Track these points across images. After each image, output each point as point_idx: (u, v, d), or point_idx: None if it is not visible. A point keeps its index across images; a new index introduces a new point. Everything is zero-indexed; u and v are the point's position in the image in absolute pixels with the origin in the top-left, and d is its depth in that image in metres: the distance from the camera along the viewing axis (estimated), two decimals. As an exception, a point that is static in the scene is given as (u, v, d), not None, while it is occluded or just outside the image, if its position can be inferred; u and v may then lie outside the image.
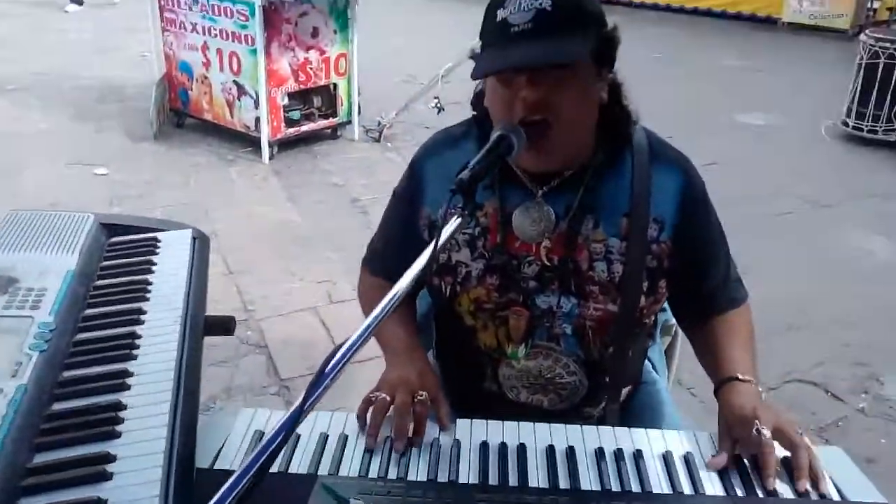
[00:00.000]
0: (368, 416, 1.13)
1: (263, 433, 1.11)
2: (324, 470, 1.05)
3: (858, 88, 5.32)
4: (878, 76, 5.17)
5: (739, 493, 1.04)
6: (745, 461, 1.09)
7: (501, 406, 1.33)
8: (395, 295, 0.90)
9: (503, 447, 1.10)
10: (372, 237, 1.47)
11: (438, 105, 4.80)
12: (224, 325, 1.37)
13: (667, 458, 1.09)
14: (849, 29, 8.93)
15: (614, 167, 1.25)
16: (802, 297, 3.35)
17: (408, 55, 7.33)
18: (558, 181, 1.23)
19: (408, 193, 1.35)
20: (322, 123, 5.12)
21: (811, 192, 4.60)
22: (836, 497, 1.04)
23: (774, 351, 2.81)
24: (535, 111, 1.11)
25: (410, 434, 1.11)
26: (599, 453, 1.10)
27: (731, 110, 6.14)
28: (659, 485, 1.05)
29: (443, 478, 1.04)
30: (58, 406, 1.00)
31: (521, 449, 1.10)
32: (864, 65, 5.27)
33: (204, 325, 1.26)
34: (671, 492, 1.04)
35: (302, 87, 4.89)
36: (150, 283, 1.29)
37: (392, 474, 1.05)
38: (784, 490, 1.04)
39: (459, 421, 1.16)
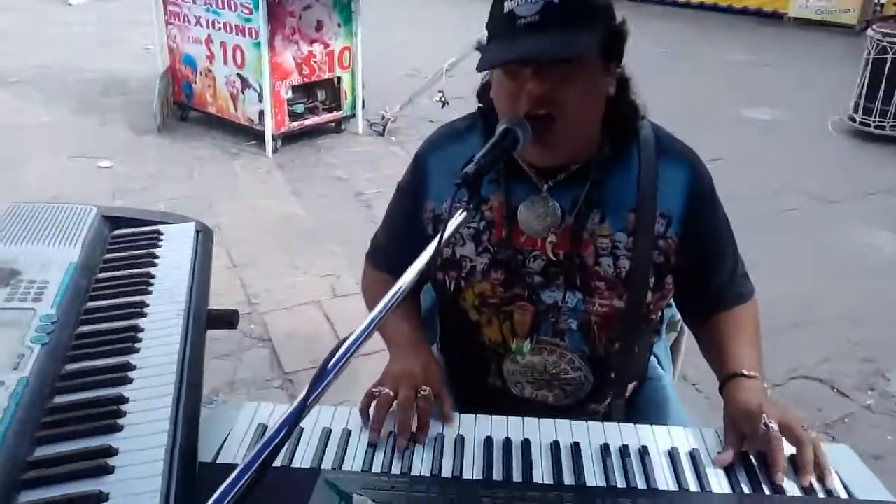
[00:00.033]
0: (371, 410, 1.13)
1: (266, 427, 1.11)
2: (327, 464, 1.04)
3: (866, 83, 5.30)
4: (886, 71, 5.15)
5: (746, 490, 1.03)
6: (752, 458, 1.08)
7: (506, 401, 1.32)
8: (398, 290, 0.89)
9: (507, 443, 1.09)
10: (375, 231, 1.46)
11: (443, 99, 4.79)
12: (227, 319, 1.36)
13: (673, 455, 1.08)
14: (856, 24, 8.90)
15: (621, 161, 1.23)
16: (808, 294, 3.34)
17: (412, 49, 7.31)
18: (564, 175, 1.22)
19: (412, 187, 1.34)
20: (326, 117, 5.11)
21: (818, 188, 4.58)
22: (843, 495, 1.03)
23: (780, 347, 2.80)
24: (540, 105, 1.09)
25: (413, 430, 1.10)
26: (605, 449, 1.09)
27: (738, 105, 6.11)
28: (665, 482, 1.04)
29: (447, 473, 1.03)
30: (59, 399, 1.00)
31: (526, 444, 1.09)
32: (871, 60, 5.24)
33: (207, 319, 1.25)
34: (677, 489, 1.03)
35: (306, 80, 4.88)
36: (152, 276, 1.28)
37: (396, 469, 1.04)
38: (791, 487, 1.03)
39: (463, 416, 1.15)
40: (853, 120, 5.47)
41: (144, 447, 0.92)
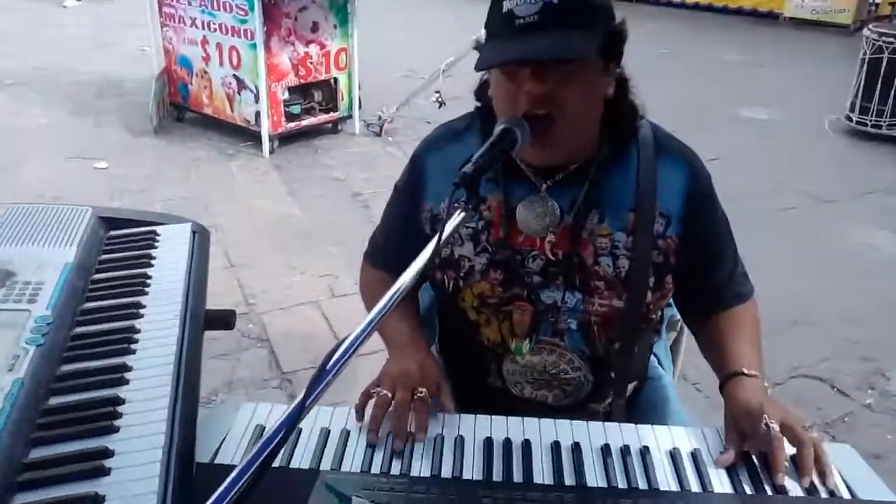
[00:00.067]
0: (368, 411, 1.12)
1: (264, 427, 1.10)
2: (326, 465, 1.03)
3: (862, 83, 5.30)
4: (882, 71, 5.15)
5: (748, 490, 1.02)
6: (754, 458, 1.07)
7: (505, 401, 1.31)
8: (397, 290, 0.89)
9: (508, 443, 1.08)
10: (373, 231, 1.46)
11: (439, 99, 4.78)
12: (224, 320, 1.35)
13: (674, 455, 1.08)
14: (851, 24, 8.92)
15: (620, 161, 1.23)
16: (807, 293, 3.34)
17: (408, 50, 7.31)
18: (563, 175, 1.21)
19: (409, 187, 1.33)
20: (323, 118, 5.10)
21: (815, 187, 4.58)
22: (846, 494, 1.03)
23: (780, 346, 2.80)
24: (539, 105, 1.09)
25: (411, 430, 1.09)
26: (605, 450, 1.08)
27: (734, 106, 6.12)
28: (666, 482, 1.03)
29: (446, 474, 1.03)
30: (55, 401, 0.99)
31: (526, 445, 1.08)
32: (867, 59, 5.24)
33: (204, 320, 1.24)
34: (679, 489, 1.02)
35: (302, 81, 4.87)
36: (149, 277, 1.27)
37: (395, 470, 1.03)
38: (793, 487, 1.03)
39: (463, 416, 1.14)
40: (850, 119, 5.48)
41: (141, 449, 0.91)
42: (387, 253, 1.40)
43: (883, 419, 2.59)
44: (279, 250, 3.65)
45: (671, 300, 1.36)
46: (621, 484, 1.02)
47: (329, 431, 1.09)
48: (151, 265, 1.31)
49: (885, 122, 5.27)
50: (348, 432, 1.09)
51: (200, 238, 1.44)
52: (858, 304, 3.29)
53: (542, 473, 1.03)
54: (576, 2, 1.06)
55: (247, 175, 4.59)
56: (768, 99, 6.30)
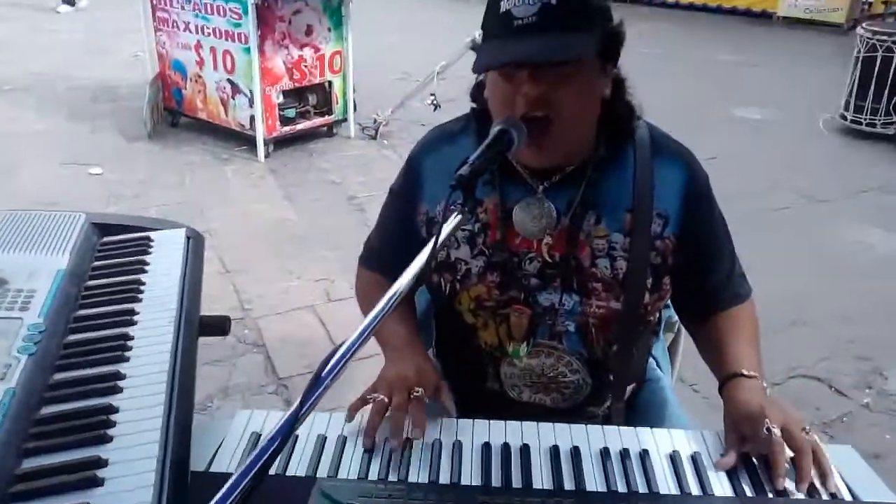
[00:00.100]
0: (362, 415, 1.11)
1: (260, 435, 1.09)
2: (322, 472, 1.02)
3: (856, 82, 5.31)
4: (876, 69, 5.16)
5: (749, 493, 1.02)
6: (755, 460, 1.07)
7: (503, 405, 1.30)
8: (393, 295, 0.88)
9: (506, 448, 1.07)
10: (369, 235, 1.45)
11: (435, 102, 4.78)
12: (219, 326, 1.34)
13: (674, 458, 1.07)
14: (844, 23, 8.94)
15: (616, 162, 1.22)
16: (802, 293, 3.34)
17: (403, 52, 7.30)
18: (559, 177, 1.21)
19: (405, 190, 1.33)
20: (318, 121, 5.09)
21: (810, 187, 4.59)
22: (847, 496, 1.02)
23: (777, 346, 2.79)
24: (536, 107, 1.08)
25: (408, 434, 1.08)
26: (605, 453, 1.07)
27: (728, 105, 6.12)
28: (666, 485, 1.02)
29: (445, 479, 1.02)
30: (47, 410, 0.97)
31: (525, 449, 1.07)
32: (861, 58, 5.25)
33: (199, 326, 1.23)
34: (679, 493, 1.01)
35: (297, 84, 4.86)
36: (142, 284, 1.26)
37: (393, 476, 1.02)
38: (794, 489, 1.02)
39: (461, 421, 1.13)
40: (844, 118, 5.48)
41: (135, 458, 0.90)
42: (382, 256, 1.39)
43: (881, 419, 2.59)
44: (275, 255, 3.63)
45: (669, 301, 1.35)
46: (621, 488, 1.01)
47: (325, 438, 1.08)
48: (145, 271, 1.30)
49: (879, 120, 5.28)
50: (345, 439, 1.08)
51: (195, 243, 1.43)
52: (854, 303, 3.29)
53: (542, 478, 1.02)
54: (574, 3, 1.06)
55: (242, 179, 4.57)
56: (762, 98, 6.31)
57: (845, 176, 4.81)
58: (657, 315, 1.37)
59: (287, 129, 4.91)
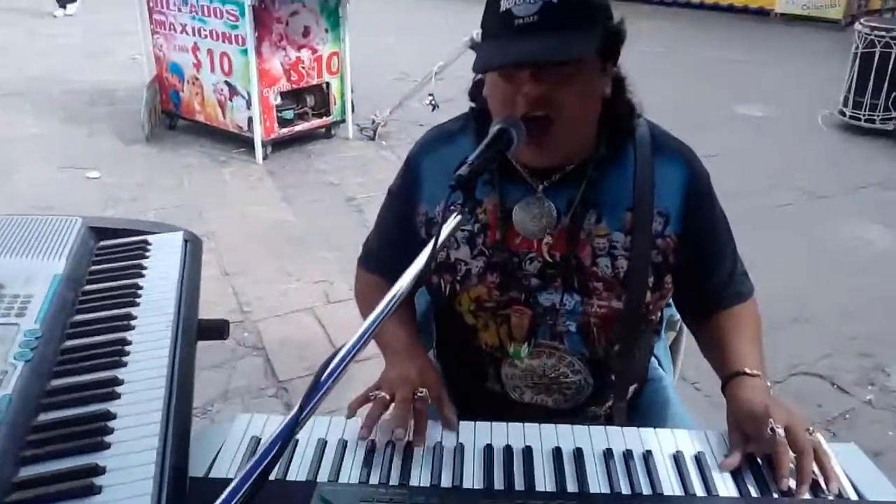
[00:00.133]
0: (364, 411, 1.10)
1: (260, 440, 1.08)
2: (323, 477, 1.01)
3: (854, 78, 5.31)
4: (875, 65, 5.16)
5: (753, 493, 1.01)
6: (759, 460, 1.06)
7: (504, 407, 1.29)
8: (392, 297, 0.87)
9: (508, 450, 1.06)
10: (367, 236, 1.44)
11: (433, 102, 4.77)
12: (218, 330, 1.33)
13: (678, 459, 1.06)
14: (841, 19, 8.94)
15: (617, 161, 1.21)
16: (803, 289, 3.33)
17: (400, 53, 7.30)
18: (559, 176, 1.20)
19: (404, 191, 1.32)
20: (316, 122, 5.08)
21: (810, 183, 4.58)
22: (853, 496, 1.01)
23: (779, 343, 2.79)
24: (537, 107, 1.07)
25: (411, 430, 1.08)
26: (608, 455, 1.06)
27: (727, 103, 6.12)
28: (670, 486, 1.01)
29: (446, 483, 1.01)
30: (44, 417, 0.96)
31: (527, 451, 1.06)
32: (859, 54, 5.25)
33: (197, 330, 1.22)
34: (683, 494, 1.00)
35: (294, 86, 4.85)
36: (140, 288, 1.25)
37: (394, 480, 1.01)
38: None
39: (463, 423, 1.12)
40: (843, 114, 5.48)
41: (133, 465, 0.89)
42: (381, 257, 1.38)
43: (884, 415, 2.58)
44: (273, 257, 3.63)
45: (670, 300, 1.34)
46: (625, 490, 1.00)
47: (326, 442, 1.07)
48: (143, 275, 1.29)
49: (878, 116, 5.28)
50: (346, 443, 1.07)
51: (192, 247, 1.41)
52: (855, 299, 3.28)
53: (544, 480, 1.01)
54: (575, 2, 1.05)
55: (240, 181, 4.56)
56: (762, 95, 6.31)
57: (845, 172, 4.81)
58: (659, 314, 1.36)
59: (285, 130, 4.90)
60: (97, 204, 4.13)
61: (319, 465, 1.03)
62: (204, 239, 1.49)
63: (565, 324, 1.22)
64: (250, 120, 4.72)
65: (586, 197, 1.20)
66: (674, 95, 5.74)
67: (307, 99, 5.01)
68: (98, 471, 0.88)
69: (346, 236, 3.64)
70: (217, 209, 4.14)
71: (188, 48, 4.88)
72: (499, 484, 1.01)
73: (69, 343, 1.11)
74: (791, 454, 1.03)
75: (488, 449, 1.06)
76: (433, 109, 4.73)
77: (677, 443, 1.10)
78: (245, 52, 4.53)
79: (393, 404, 1.10)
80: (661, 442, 1.10)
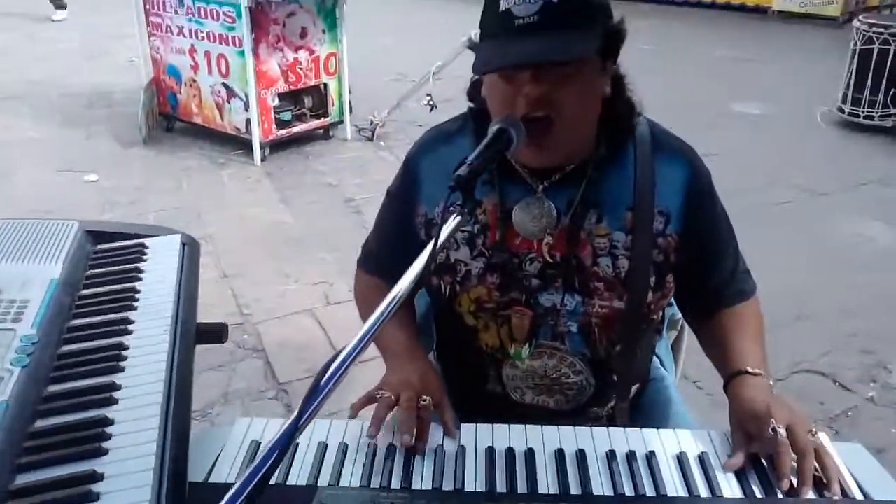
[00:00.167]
0: (367, 412, 1.10)
1: (260, 444, 1.07)
2: (324, 480, 1.00)
3: (853, 74, 5.30)
4: (873, 62, 5.15)
5: (758, 493, 1.00)
6: (763, 460, 1.05)
7: (505, 408, 1.29)
8: (392, 300, 0.86)
9: (510, 452, 1.05)
10: (367, 237, 1.43)
11: (431, 102, 4.76)
12: (216, 333, 1.32)
13: (681, 460, 1.05)
14: (839, 16, 8.94)
15: (617, 160, 1.21)
16: (804, 287, 3.32)
17: (398, 53, 7.29)
18: (559, 176, 1.19)
19: (402, 192, 1.31)
20: (314, 124, 5.07)
21: (809, 181, 4.57)
22: (858, 495, 1.00)
23: (781, 341, 2.78)
24: (538, 108, 1.06)
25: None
26: (611, 456, 1.05)
27: (726, 101, 6.11)
28: (674, 487, 1.00)
29: (448, 486, 1.00)
30: (41, 423, 0.95)
31: (530, 454, 1.05)
32: (858, 51, 5.24)
33: (195, 334, 1.21)
34: (687, 495, 0.99)
35: (292, 87, 4.84)
36: (137, 292, 1.24)
37: (395, 483, 1.00)
38: (804, 489, 1.00)
39: (464, 426, 1.11)
40: (842, 111, 5.48)
41: (131, 471, 0.88)
42: (381, 259, 1.38)
43: (886, 412, 2.57)
44: (272, 258, 3.62)
45: (672, 299, 1.33)
46: (628, 491, 0.99)
47: (326, 446, 1.06)
48: (140, 279, 1.28)
49: (877, 112, 5.27)
50: (346, 446, 1.06)
51: (190, 250, 1.41)
52: (856, 296, 3.28)
53: (547, 483, 1.01)
54: (576, 1, 1.04)
55: (238, 183, 4.55)
56: (760, 93, 6.30)
57: (844, 169, 4.80)
58: (660, 313, 1.35)
59: (283, 132, 4.89)
60: (95, 207, 4.12)
61: (320, 469, 1.02)
62: (203, 241, 1.48)
63: (566, 324, 1.21)
64: (248, 122, 4.71)
65: (586, 197, 1.19)
66: (670, 94, 5.73)
67: (305, 100, 4.99)
68: (96, 477, 0.87)
69: (344, 237, 3.63)
70: (216, 211, 4.13)
71: (185, 50, 4.87)
72: (501, 487, 1.00)
73: (66, 348, 1.10)
74: (793, 454, 1.02)
75: (490, 451, 1.05)
76: (431, 110, 4.72)
77: (680, 443, 1.09)
78: (242, 53, 4.51)
79: (397, 407, 1.09)
80: (665, 442, 1.09)
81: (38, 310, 1.12)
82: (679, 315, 1.50)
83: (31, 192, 4.33)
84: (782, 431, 1.03)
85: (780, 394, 1.16)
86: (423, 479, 1.01)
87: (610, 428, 1.12)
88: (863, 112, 5.32)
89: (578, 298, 1.20)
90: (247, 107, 4.67)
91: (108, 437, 0.93)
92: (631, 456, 1.05)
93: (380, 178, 4.30)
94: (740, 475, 1.03)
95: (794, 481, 1.00)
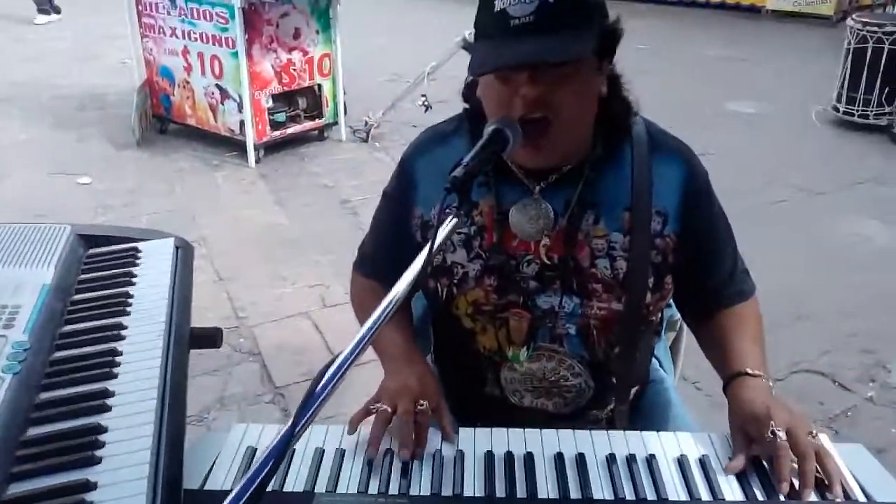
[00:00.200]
0: (365, 426, 1.08)
1: (256, 450, 1.06)
2: (321, 487, 1.00)
3: (847, 73, 5.31)
4: (867, 60, 5.15)
5: (759, 496, 0.99)
6: (765, 463, 1.04)
7: (504, 411, 1.28)
8: (389, 303, 0.85)
9: (509, 456, 1.05)
10: (362, 240, 1.42)
11: (426, 103, 4.75)
12: (211, 338, 1.30)
13: (682, 463, 1.04)
14: (833, 15, 8.94)
15: (614, 160, 1.20)
16: (802, 286, 3.32)
17: (392, 54, 7.27)
18: (556, 176, 1.18)
19: (398, 193, 1.30)
20: (308, 125, 5.05)
21: (805, 180, 4.57)
22: (860, 497, 0.99)
23: (780, 341, 2.77)
24: (535, 109, 1.05)
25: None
26: (611, 459, 1.04)
27: (720, 100, 6.11)
28: (675, 491, 1.00)
29: (447, 491, 0.99)
30: (33, 431, 0.94)
31: (529, 458, 1.04)
32: (852, 49, 5.25)
33: (189, 338, 1.19)
34: (688, 498, 0.99)
35: (286, 88, 4.82)
36: (130, 297, 1.23)
37: (393, 489, 1.00)
38: (806, 491, 0.99)
39: (462, 430, 1.11)
40: (837, 110, 5.48)
41: (125, 479, 0.86)
42: (377, 261, 1.36)
43: (885, 412, 2.57)
44: (268, 261, 3.60)
45: (671, 300, 1.32)
46: (629, 495, 0.99)
47: (323, 451, 1.05)
48: (133, 284, 1.26)
49: (871, 111, 5.28)
50: (343, 451, 1.05)
51: (184, 253, 1.39)
52: (854, 296, 3.27)
53: (547, 487, 1.00)
54: (572, 1, 1.03)
55: (233, 185, 4.53)
56: (755, 92, 6.30)
57: (840, 168, 4.80)
58: (659, 315, 1.34)
59: (277, 133, 4.87)
60: (88, 210, 4.09)
61: (317, 475, 1.01)
62: (197, 244, 1.47)
63: (564, 326, 1.20)
64: (242, 123, 4.69)
65: (583, 197, 1.18)
66: (665, 93, 5.72)
67: (299, 101, 4.97)
68: (89, 486, 0.85)
69: (340, 239, 3.61)
70: (210, 214, 4.11)
71: (178, 51, 4.84)
72: (500, 491, 0.99)
73: (58, 354, 1.08)
74: (793, 457, 1.01)
75: (489, 456, 1.05)
76: (426, 110, 4.70)
77: (681, 446, 1.08)
78: (235, 54, 4.50)
79: (395, 417, 1.08)
80: (665, 445, 1.08)
81: (30, 315, 1.10)
82: (678, 316, 1.49)
83: (23, 194, 4.30)
84: (782, 435, 1.02)
85: (780, 395, 1.15)
86: (421, 485, 1.00)
87: (609, 431, 1.11)
88: (857, 111, 5.33)
89: (576, 300, 1.19)
90: (241, 108, 4.65)
91: (102, 444, 0.91)
92: (631, 459, 1.05)
93: (375, 180, 4.29)
94: (741, 478, 1.02)
95: (796, 484, 0.99)
